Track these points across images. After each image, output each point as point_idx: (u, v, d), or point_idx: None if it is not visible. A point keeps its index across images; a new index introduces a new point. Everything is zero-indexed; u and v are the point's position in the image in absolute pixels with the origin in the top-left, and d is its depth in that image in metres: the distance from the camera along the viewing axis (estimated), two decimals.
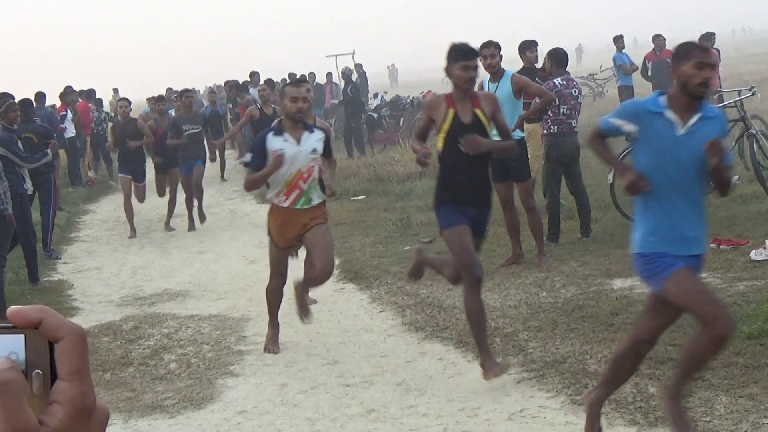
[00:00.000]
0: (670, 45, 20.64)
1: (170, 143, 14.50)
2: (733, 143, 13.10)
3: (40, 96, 18.76)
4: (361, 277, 10.20)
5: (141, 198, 15.36)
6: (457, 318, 8.09)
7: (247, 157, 7.43)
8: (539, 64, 11.97)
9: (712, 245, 9.51)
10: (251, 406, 6.51)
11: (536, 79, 11.00)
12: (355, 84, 26.93)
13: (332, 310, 9.07)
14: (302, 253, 8.51)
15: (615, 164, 5.79)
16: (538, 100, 10.11)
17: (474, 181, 6.55)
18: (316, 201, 7.44)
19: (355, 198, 16.14)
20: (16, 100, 12.35)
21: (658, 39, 20.57)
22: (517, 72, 11.16)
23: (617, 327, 7.23)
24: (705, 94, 5.15)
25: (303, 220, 7.37)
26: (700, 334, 4.86)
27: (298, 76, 29.91)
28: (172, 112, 18.03)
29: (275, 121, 7.60)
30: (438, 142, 6.64)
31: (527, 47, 12.06)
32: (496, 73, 9.65)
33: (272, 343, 7.82)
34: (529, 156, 10.77)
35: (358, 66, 33.07)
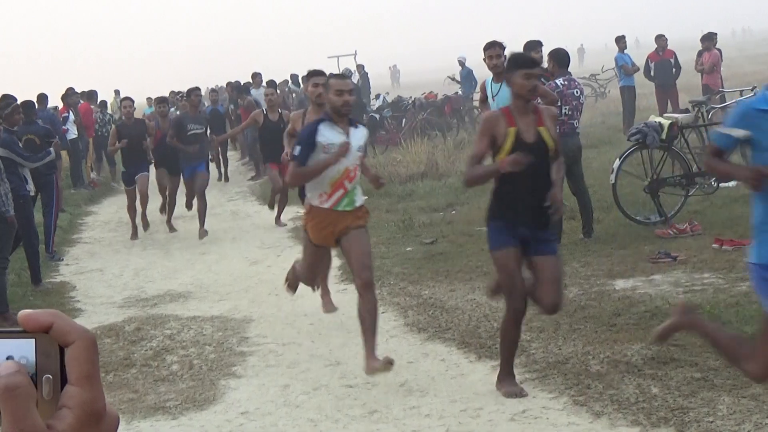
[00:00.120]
0: (672, 45, 20.69)
1: (170, 142, 14.10)
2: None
3: (43, 98, 18.79)
4: None
5: (144, 189, 14.48)
6: (459, 319, 8.09)
7: (295, 149, 6.78)
8: (543, 65, 11.97)
9: (714, 245, 9.52)
10: (254, 407, 6.51)
11: (541, 79, 10.99)
12: (356, 85, 26.96)
13: (334, 311, 9.06)
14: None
15: (738, 172, 5.04)
16: (540, 101, 10.10)
17: (532, 202, 6.07)
18: (358, 202, 6.91)
19: None
20: (19, 102, 12.36)
21: (660, 39, 20.56)
22: None
23: (619, 327, 7.23)
24: None
25: (346, 221, 6.83)
26: None
27: (300, 77, 30.02)
28: (176, 112, 17.92)
29: (323, 113, 7.06)
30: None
31: (532, 47, 12.05)
32: (500, 74, 9.65)
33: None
34: None
35: (360, 67, 33.07)
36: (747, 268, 8.52)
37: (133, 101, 15.03)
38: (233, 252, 12.92)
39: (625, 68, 20.64)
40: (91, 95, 23.79)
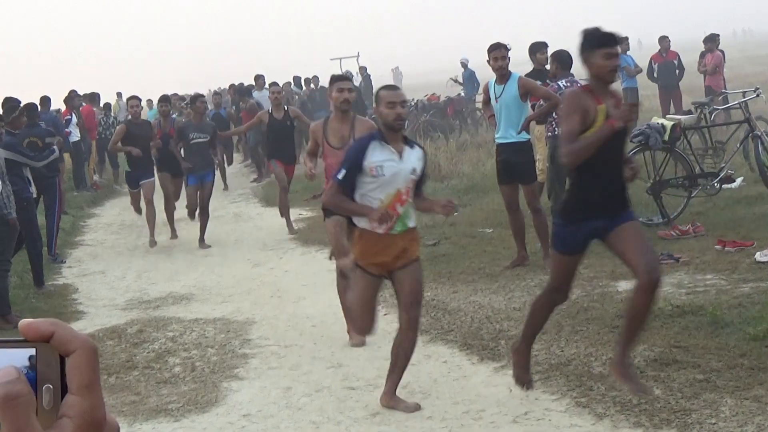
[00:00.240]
0: (674, 46, 20.67)
1: (172, 149, 13.75)
2: (738, 144, 13.10)
3: (46, 100, 18.81)
4: None
5: (149, 195, 14.04)
6: (462, 321, 8.08)
7: (340, 171, 6.07)
8: (547, 66, 11.97)
9: (717, 247, 9.51)
10: (256, 409, 6.51)
11: (546, 80, 10.99)
12: (357, 87, 26.96)
13: (337, 313, 9.03)
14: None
15: None
16: (542, 103, 10.11)
17: (614, 187, 5.77)
18: (411, 224, 6.21)
19: None
20: (22, 104, 12.38)
21: (663, 41, 20.55)
22: (528, 74, 11.18)
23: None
24: None
25: (401, 243, 6.13)
26: None
27: (303, 78, 30.06)
28: (181, 119, 17.36)
29: (376, 131, 6.33)
30: None
31: (537, 49, 12.07)
32: (503, 75, 9.65)
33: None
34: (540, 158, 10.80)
35: (363, 69, 33.10)
36: (750, 269, 8.53)
37: (140, 100, 14.62)
38: (235, 254, 12.92)
39: (627, 70, 20.60)
40: (93, 97, 23.82)
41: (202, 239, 13.68)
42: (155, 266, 12.62)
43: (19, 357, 0.82)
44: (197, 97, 14.53)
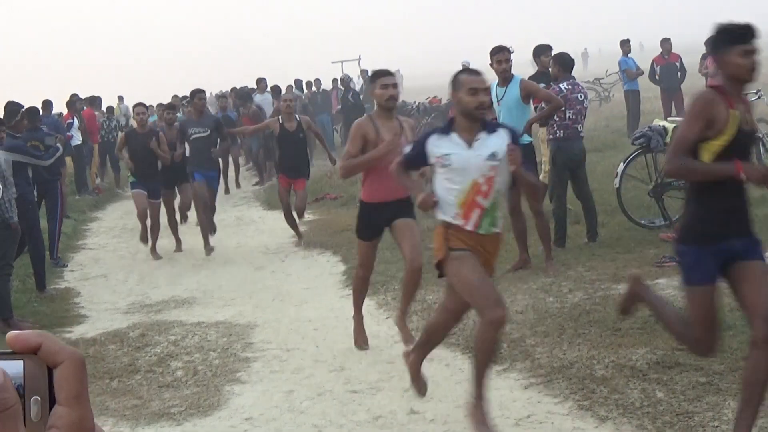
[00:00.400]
0: (676, 48, 20.67)
1: (177, 159, 13.05)
2: None
3: (47, 104, 18.82)
4: None
5: (156, 216, 13.46)
6: (464, 324, 8.06)
7: (408, 148, 5.90)
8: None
9: None
10: (258, 413, 6.51)
11: (550, 83, 11.00)
12: (356, 90, 26.98)
13: (339, 316, 9.06)
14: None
15: None
16: (544, 105, 10.11)
17: (740, 202, 5.01)
18: (497, 226, 5.62)
19: None
20: (23, 108, 12.40)
21: (666, 43, 20.56)
22: (531, 76, 11.19)
23: (624, 332, 7.21)
24: None
25: (489, 248, 5.61)
26: None
27: (304, 81, 30.07)
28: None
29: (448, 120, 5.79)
30: (706, 151, 4.86)
31: (541, 52, 12.06)
32: (506, 78, 9.67)
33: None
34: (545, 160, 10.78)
35: (364, 72, 33.09)
36: None
37: (146, 107, 13.91)
38: (238, 257, 12.92)
39: (628, 72, 20.64)
40: (93, 101, 23.84)
41: (208, 235, 13.26)
42: (157, 270, 12.62)
43: (8, 369, 0.82)
44: (196, 93, 13.70)
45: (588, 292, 8.60)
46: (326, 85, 31.60)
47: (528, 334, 7.53)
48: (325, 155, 13.93)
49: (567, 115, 10.36)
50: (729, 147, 4.79)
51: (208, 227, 13.28)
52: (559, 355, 6.91)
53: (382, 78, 7.24)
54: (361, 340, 7.77)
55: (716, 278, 4.93)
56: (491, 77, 10.21)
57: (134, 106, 13.76)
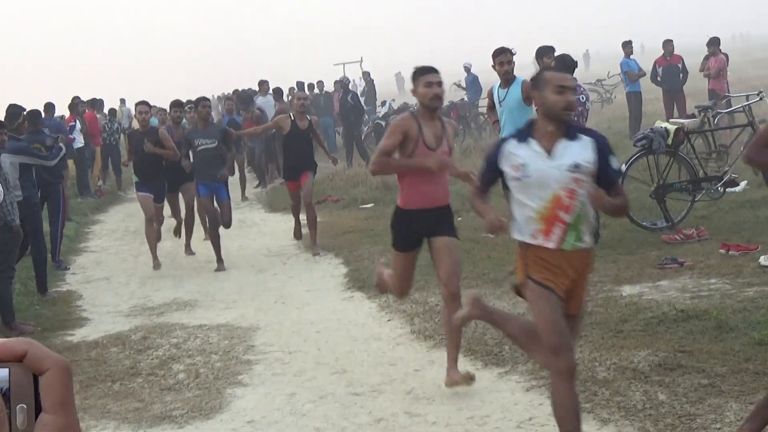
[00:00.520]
0: (677, 50, 20.65)
1: (184, 164, 12.40)
2: (742, 148, 13.08)
3: (50, 107, 18.85)
4: (369, 285, 10.17)
5: (158, 221, 13.09)
6: (466, 326, 8.06)
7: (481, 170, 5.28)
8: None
9: (721, 251, 9.49)
10: (260, 415, 6.50)
11: None
12: (355, 92, 26.98)
13: (341, 318, 9.06)
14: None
15: None
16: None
17: None
18: (587, 240, 5.00)
19: (363, 206, 16.13)
20: (25, 111, 12.42)
21: (668, 44, 20.54)
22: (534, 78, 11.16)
23: (626, 334, 7.21)
24: None
25: (576, 264, 4.95)
26: None
27: (306, 84, 30.08)
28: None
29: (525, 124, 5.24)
30: None
31: (544, 53, 12.04)
32: (508, 80, 9.67)
33: None
34: None
35: (366, 74, 33.12)
36: (754, 273, 8.51)
37: (149, 106, 13.30)
38: (239, 260, 12.91)
39: (629, 74, 20.62)
40: (94, 103, 23.87)
41: (218, 253, 12.53)
42: (159, 273, 12.61)
43: None
44: (200, 101, 13.01)
45: (590, 293, 8.58)
46: (329, 87, 31.63)
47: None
48: (326, 157, 13.84)
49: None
50: None
51: (219, 243, 12.46)
52: None
53: (425, 75, 6.59)
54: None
55: None
56: (492, 79, 10.26)
57: (136, 105, 13.11)
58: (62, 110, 21.45)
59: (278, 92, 24.09)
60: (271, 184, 21.64)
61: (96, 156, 22.46)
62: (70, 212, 16.76)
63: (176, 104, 14.05)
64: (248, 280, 11.41)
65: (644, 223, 11.12)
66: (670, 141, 11.16)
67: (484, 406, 6.19)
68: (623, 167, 11.28)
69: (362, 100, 30.40)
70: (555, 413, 4.90)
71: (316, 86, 29.72)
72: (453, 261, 6.69)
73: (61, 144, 12.45)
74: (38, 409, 0.82)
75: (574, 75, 10.72)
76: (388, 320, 8.75)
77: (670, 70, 20.26)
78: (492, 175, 5.11)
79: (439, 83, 6.58)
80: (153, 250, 12.75)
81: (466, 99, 27.37)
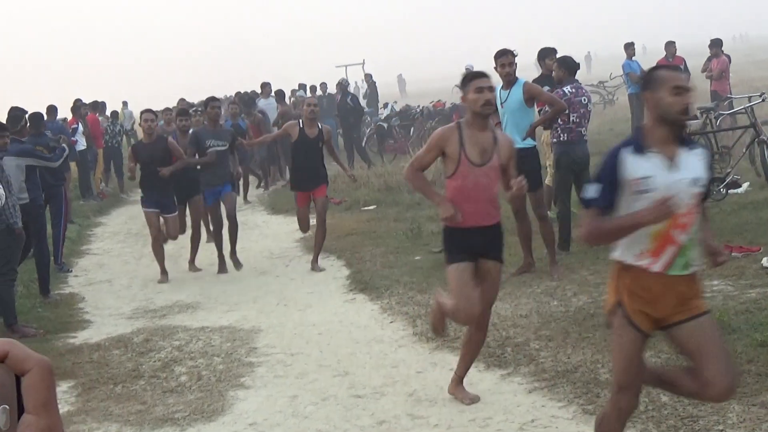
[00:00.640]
0: (680, 51, 20.65)
1: (190, 161, 11.89)
2: (744, 149, 13.09)
3: (52, 109, 18.86)
4: (371, 287, 10.18)
5: (174, 233, 12.41)
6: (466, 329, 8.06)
7: (590, 190, 4.51)
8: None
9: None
10: (262, 418, 6.50)
11: (555, 86, 10.99)
12: (354, 94, 26.99)
13: (343, 321, 9.06)
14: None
15: None
16: (548, 108, 10.11)
17: None
18: (696, 264, 4.54)
19: (366, 208, 16.13)
20: (28, 114, 12.43)
21: (670, 46, 20.54)
22: (535, 79, 11.18)
23: None
24: None
25: (682, 289, 4.46)
26: None
27: (308, 86, 30.07)
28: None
29: (635, 131, 4.70)
30: None
31: (546, 54, 12.05)
32: (509, 81, 9.68)
33: None
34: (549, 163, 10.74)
35: (368, 76, 33.11)
36: (757, 275, 8.50)
37: (155, 115, 12.45)
38: (241, 263, 12.90)
39: (631, 76, 20.61)
40: (95, 106, 23.89)
41: (233, 252, 12.27)
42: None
43: None
44: (209, 102, 12.57)
45: (592, 295, 8.59)
46: (332, 89, 31.62)
47: (532, 338, 7.52)
48: (329, 159, 13.54)
49: (571, 119, 10.35)
50: None
51: (222, 245, 12.20)
52: (564, 359, 6.90)
53: (476, 80, 6.11)
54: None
55: None
56: (496, 80, 10.25)
57: (142, 113, 12.35)
58: (64, 113, 21.47)
59: (280, 95, 24.10)
60: (273, 186, 21.64)
61: (98, 158, 22.48)
62: (73, 215, 16.77)
63: (182, 113, 13.51)
64: (250, 283, 11.41)
65: None
66: None
67: (487, 408, 6.18)
68: None
69: (364, 102, 30.41)
70: None
71: (318, 88, 29.70)
72: (491, 287, 6.27)
73: (63, 145, 12.47)
74: (21, 410, 0.81)
75: (576, 77, 10.79)
76: (391, 322, 8.75)
77: None
78: (613, 189, 4.43)
79: (491, 88, 6.11)
80: (161, 263, 12.23)
81: None
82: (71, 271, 13.33)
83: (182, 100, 26.01)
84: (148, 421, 6.65)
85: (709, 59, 20.22)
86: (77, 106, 21.00)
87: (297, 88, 30.50)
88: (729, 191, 11.72)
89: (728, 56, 20.31)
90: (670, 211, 4.21)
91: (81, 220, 18.07)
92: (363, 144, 24.20)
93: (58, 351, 8.81)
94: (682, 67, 20.26)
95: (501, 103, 9.78)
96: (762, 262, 8.85)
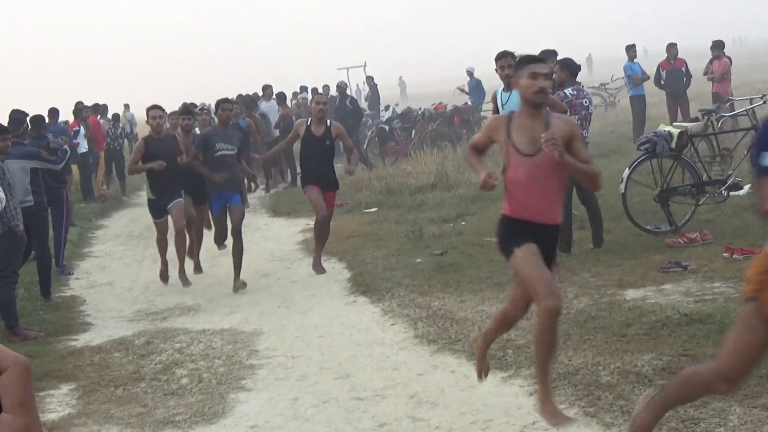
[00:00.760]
0: (682, 53, 20.66)
1: (192, 163, 11.48)
2: (745, 152, 13.07)
3: (54, 112, 18.87)
4: (372, 289, 10.18)
5: (180, 222, 11.80)
6: (469, 330, 8.05)
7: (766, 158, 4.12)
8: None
9: (725, 254, 9.47)
10: (263, 420, 6.50)
11: (557, 88, 10.98)
12: (353, 97, 26.99)
13: (344, 323, 9.06)
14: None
15: None
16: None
17: None
18: None
19: (367, 210, 16.13)
20: (29, 117, 12.44)
21: (671, 48, 20.55)
22: None
23: (630, 338, 7.19)
24: None
25: None
26: None
27: (309, 88, 30.06)
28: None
29: None
30: None
31: (547, 57, 12.01)
32: (510, 83, 9.67)
33: None
34: None
35: (370, 78, 33.10)
36: None
37: (163, 110, 11.98)
38: (243, 265, 12.88)
39: (632, 78, 20.63)
40: (96, 108, 23.92)
41: (237, 275, 11.31)
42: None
43: None
44: (220, 103, 12.01)
45: (593, 297, 8.58)
46: (334, 91, 31.58)
47: (533, 340, 7.50)
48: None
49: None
50: None
51: (239, 256, 11.40)
52: (565, 361, 6.89)
53: (531, 65, 5.65)
54: None
55: None
56: (496, 83, 10.25)
57: (149, 109, 11.82)
58: (66, 115, 21.48)
59: (281, 97, 24.13)
60: (275, 188, 21.64)
61: (100, 161, 22.51)
62: (74, 217, 16.78)
63: (185, 112, 12.90)
64: (251, 285, 11.39)
65: (648, 227, 11.11)
66: (673, 145, 11.15)
67: (487, 410, 6.18)
68: (627, 171, 11.28)
69: (366, 104, 30.39)
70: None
71: (320, 90, 29.69)
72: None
73: (65, 147, 12.48)
74: None
75: (578, 79, 10.79)
76: (392, 324, 8.74)
77: (673, 73, 20.27)
78: None
79: (546, 76, 5.62)
80: (163, 257, 11.99)
81: (469, 103, 27.38)
82: (72, 273, 13.33)
83: (186, 108, 25.82)
84: (149, 423, 6.65)
85: (710, 61, 20.22)
86: (79, 109, 21.03)
87: (299, 90, 30.50)
88: (730, 193, 11.70)
89: (729, 58, 20.30)
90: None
91: (82, 222, 18.09)
92: (364, 147, 24.19)
93: (59, 353, 8.82)
94: (683, 68, 20.33)
95: (502, 105, 9.79)
96: None
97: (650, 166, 11.36)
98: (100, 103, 25.71)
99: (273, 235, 15.39)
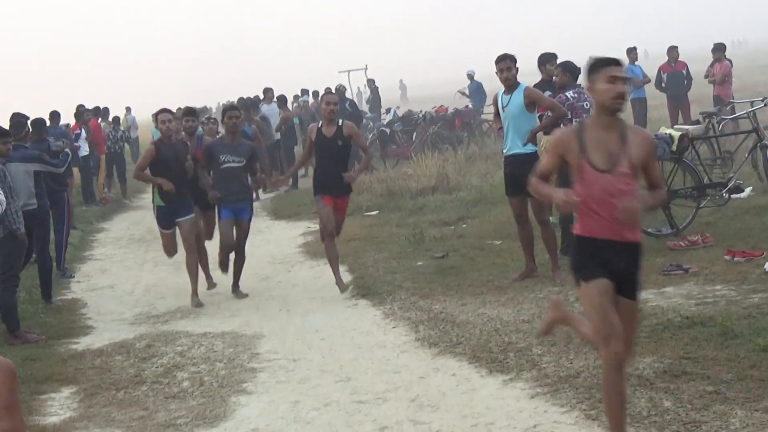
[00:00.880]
0: (683, 56, 20.65)
1: (203, 181, 11.06)
2: (747, 154, 13.08)
3: (55, 115, 18.89)
4: (374, 292, 10.18)
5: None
6: (471, 333, 8.06)
7: None
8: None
9: (726, 257, 9.47)
10: (264, 423, 6.49)
11: (556, 91, 10.99)
12: (352, 100, 27.02)
13: (345, 326, 9.05)
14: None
15: None
16: (550, 113, 10.10)
17: None
18: None
19: (368, 213, 16.13)
20: (30, 120, 12.45)
21: (672, 51, 20.54)
22: (536, 84, 11.17)
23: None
24: None
25: None
26: None
27: (311, 91, 30.11)
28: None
29: None
30: None
31: (547, 60, 12.05)
32: (510, 86, 9.68)
33: None
34: None
35: (371, 81, 33.13)
36: (759, 280, 8.49)
37: (172, 114, 11.39)
38: (244, 268, 12.88)
39: (634, 80, 20.60)
40: (97, 111, 23.93)
41: (236, 285, 11.19)
42: (164, 281, 12.62)
43: None
44: (227, 110, 11.35)
45: None
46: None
47: (534, 344, 7.51)
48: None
49: (573, 123, 10.34)
50: None
51: (240, 267, 11.23)
52: (566, 364, 6.89)
53: (609, 68, 5.10)
54: None
55: None
56: (496, 87, 10.26)
57: (158, 113, 11.32)
58: (67, 118, 21.51)
59: (282, 100, 24.14)
60: (276, 191, 21.64)
61: (101, 164, 22.52)
62: (75, 220, 16.78)
63: (189, 113, 12.30)
64: (253, 288, 11.39)
65: (649, 230, 11.10)
66: (674, 147, 11.15)
67: (489, 413, 6.17)
68: None
69: (367, 107, 30.39)
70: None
71: (333, 90, 29.71)
72: (630, 327, 5.28)
73: (67, 150, 12.49)
74: None
75: (578, 82, 10.79)
76: (393, 328, 8.74)
77: (674, 76, 20.26)
78: None
79: (624, 80, 5.14)
80: (193, 282, 11.04)
81: (470, 106, 27.39)
82: (74, 276, 13.33)
83: (189, 109, 25.78)
84: (151, 426, 6.64)
85: (711, 64, 20.21)
86: (80, 112, 21.04)
87: (300, 93, 30.52)
88: (732, 196, 11.70)
89: (730, 61, 20.30)
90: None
91: (83, 225, 18.09)
92: None
93: (61, 357, 8.82)
94: (684, 71, 20.32)
95: (502, 108, 9.80)
96: (765, 266, 8.84)
97: None
98: (101, 106, 25.75)
99: (274, 238, 15.39)
